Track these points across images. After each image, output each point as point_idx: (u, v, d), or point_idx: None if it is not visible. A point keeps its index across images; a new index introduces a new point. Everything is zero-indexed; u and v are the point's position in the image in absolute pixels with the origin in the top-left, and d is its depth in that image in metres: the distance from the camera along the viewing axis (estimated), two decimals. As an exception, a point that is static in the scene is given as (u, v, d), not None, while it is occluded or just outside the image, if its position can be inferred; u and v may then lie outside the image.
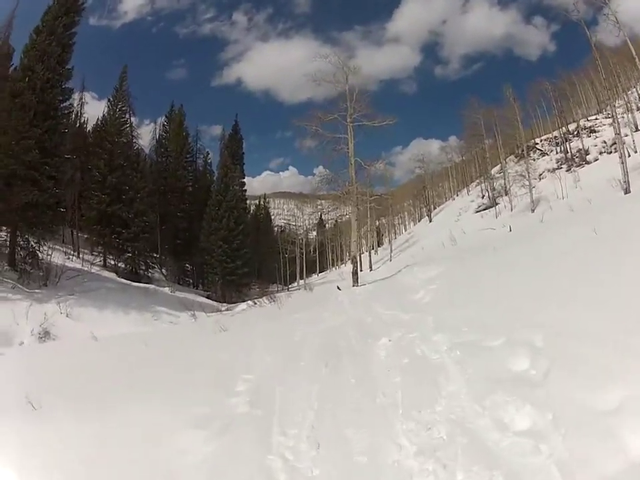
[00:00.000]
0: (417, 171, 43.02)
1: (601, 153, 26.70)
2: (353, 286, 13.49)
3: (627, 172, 15.58)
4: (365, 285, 13.49)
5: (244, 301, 20.76)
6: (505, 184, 29.57)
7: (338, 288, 13.81)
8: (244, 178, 33.20)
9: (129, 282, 19.73)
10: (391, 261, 29.76)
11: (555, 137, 33.87)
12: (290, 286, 34.26)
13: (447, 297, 6.82)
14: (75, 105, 25.34)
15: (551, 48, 55.65)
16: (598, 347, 3.04)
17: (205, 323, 12.24)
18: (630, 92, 29.70)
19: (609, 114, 31.01)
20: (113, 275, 20.67)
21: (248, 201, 42.84)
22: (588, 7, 18.77)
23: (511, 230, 17.83)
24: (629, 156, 22.01)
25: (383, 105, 42.04)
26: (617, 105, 28.67)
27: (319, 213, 49.92)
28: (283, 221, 39.44)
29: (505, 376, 3.26)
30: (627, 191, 15.28)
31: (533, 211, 23.13)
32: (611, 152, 25.45)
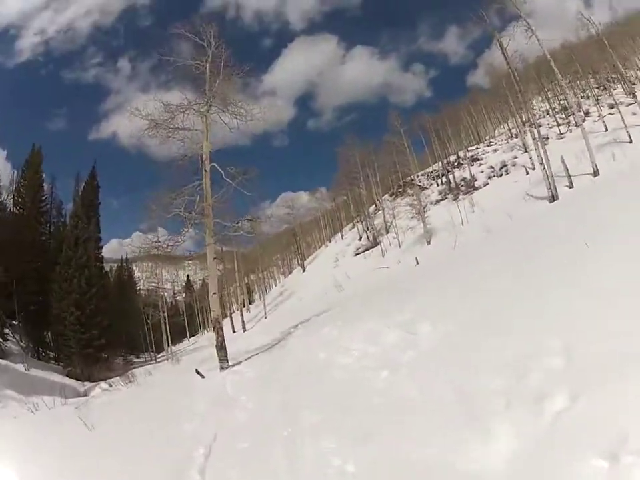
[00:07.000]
0: (286, 216, 37.61)
1: (490, 178, 27.09)
2: (221, 369, 8.19)
3: (552, 178, 15.51)
4: (239, 364, 8.15)
5: (106, 379, 18.49)
6: (384, 221, 28.91)
7: (198, 373, 7.98)
8: (99, 232, 28.39)
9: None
10: (266, 317, 27.22)
11: (434, 170, 33.80)
12: (159, 355, 29.76)
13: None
14: None
15: (427, 93, 59.22)
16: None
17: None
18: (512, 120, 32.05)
19: (490, 142, 33.17)
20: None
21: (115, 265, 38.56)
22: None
23: (418, 262, 15.78)
24: (527, 173, 22.51)
25: (254, 160, 38.81)
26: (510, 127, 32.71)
27: (187, 275, 48.59)
28: (152, 284, 35.41)
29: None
30: (554, 198, 14.91)
31: (428, 242, 21.49)
32: (501, 174, 26.32)
